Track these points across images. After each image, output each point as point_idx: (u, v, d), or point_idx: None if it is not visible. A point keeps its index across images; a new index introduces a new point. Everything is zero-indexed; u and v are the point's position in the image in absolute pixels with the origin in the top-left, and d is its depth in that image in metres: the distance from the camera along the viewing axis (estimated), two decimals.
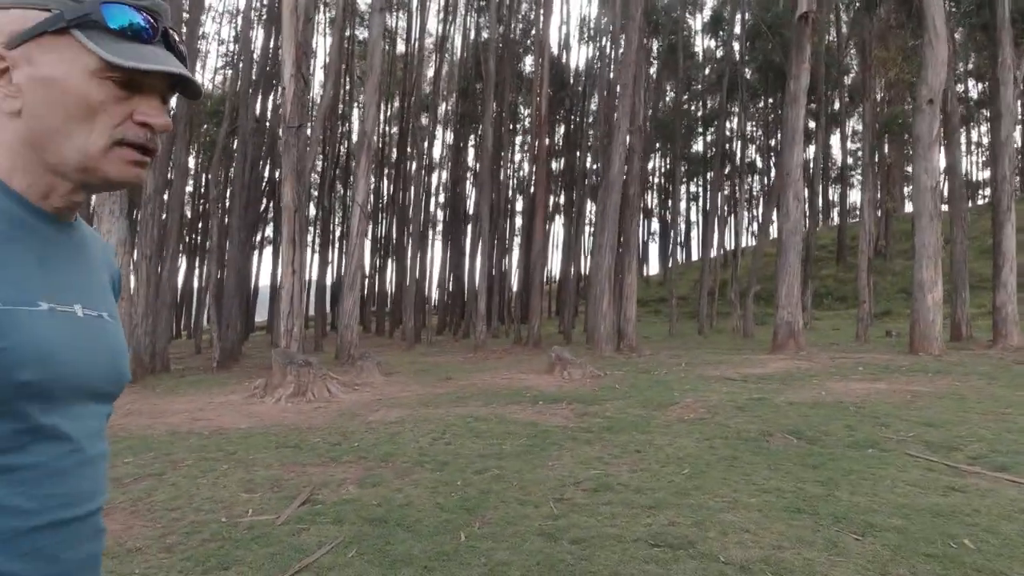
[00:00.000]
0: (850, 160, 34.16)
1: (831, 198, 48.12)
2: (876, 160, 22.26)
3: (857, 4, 19.50)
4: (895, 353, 11.47)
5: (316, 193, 26.69)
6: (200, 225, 30.85)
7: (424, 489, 3.54)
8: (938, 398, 6.27)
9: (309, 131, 14.19)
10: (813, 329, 20.95)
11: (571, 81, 32.55)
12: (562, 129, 33.85)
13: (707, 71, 35.84)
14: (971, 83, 33.39)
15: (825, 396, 6.64)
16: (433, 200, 36.32)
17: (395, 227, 29.78)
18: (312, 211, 25.80)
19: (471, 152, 32.74)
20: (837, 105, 28.24)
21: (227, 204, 20.17)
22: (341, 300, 15.02)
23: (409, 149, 28.35)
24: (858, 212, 28.02)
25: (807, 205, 27.25)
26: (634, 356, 13.50)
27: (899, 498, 3.19)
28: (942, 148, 12.44)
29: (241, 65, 18.95)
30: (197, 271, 30.51)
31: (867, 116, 18.56)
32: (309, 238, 19.22)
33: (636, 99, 18.03)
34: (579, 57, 40.52)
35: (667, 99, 35.12)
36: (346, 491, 3.53)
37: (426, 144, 29.02)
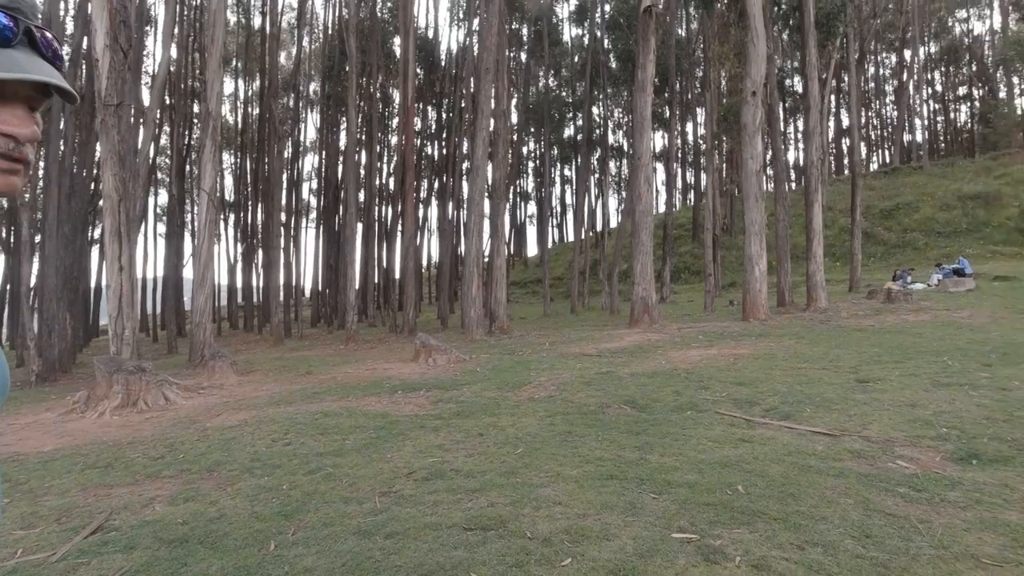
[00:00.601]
0: (703, 146, 37.35)
1: (688, 181, 52.45)
2: (718, 146, 24.53)
3: (694, 2, 21.15)
4: (732, 320, 12.81)
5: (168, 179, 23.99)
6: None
7: (243, 499, 3.32)
8: (755, 359, 7.09)
9: (140, 108, 12.59)
10: (673, 303, 22.82)
11: (443, 63, 32.12)
12: (435, 113, 33.39)
13: (576, 59, 37.16)
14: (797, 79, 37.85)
15: (664, 365, 7.24)
16: (306, 186, 34.22)
17: (262, 215, 27.70)
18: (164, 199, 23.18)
19: (343, 136, 31.25)
20: (691, 95, 30.63)
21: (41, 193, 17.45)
22: (193, 297, 13.73)
23: (271, 132, 26.38)
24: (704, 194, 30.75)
25: (669, 187, 29.48)
26: (504, 338, 13.79)
27: (699, 454, 3.55)
28: (766, 135, 13.95)
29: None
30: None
31: (709, 106, 20.33)
32: (161, 229, 17.20)
33: (500, 83, 18.20)
34: (451, 39, 40.10)
35: (539, 85, 35.93)
36: (151, 512, 3.21)
37: (296, 127, 27.20)
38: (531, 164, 47.29)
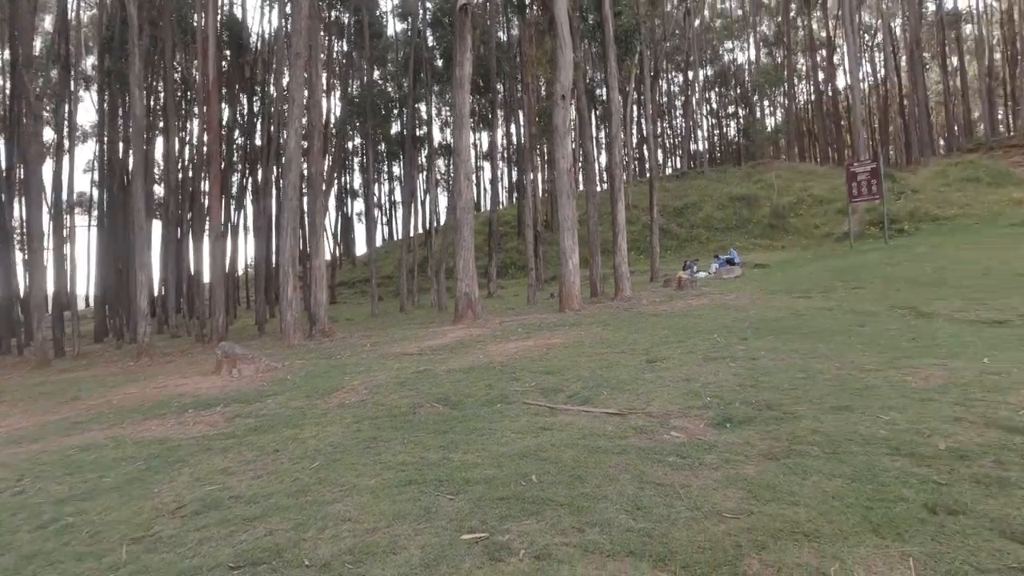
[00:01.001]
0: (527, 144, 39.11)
1: (513, 179, 54.77)
2: (537, 146, 25.89)
3: (508, 7, 22.01)
4: (551, 312, 13.57)
5: None
6: None
7: None
8: (565, 347, 7.52)
9: None
10: (500, 297, 23.57)
11: (256, 47, 29.27)
12: (247, 101, 30.30)
13: (401, 54, 36.46)
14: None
15: (482, 359, 7.34)
16: (87, 177, 28.62)
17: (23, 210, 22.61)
18: None
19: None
20: (514, 96, 31.84)
21: None
22: None
23: (27, 110, 21.56)
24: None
25: (494, 185, 30.30)
26: (326, 342, 12.98)
27: (501, 447, 3.57)
28: (578, 138, 14.96)
29: None
30: None
31: (527, 108, 21.31)
32: None
33: (313, 71, 17.08)
34: (263, 21, 36.45)
35: (363, 78, 34.60)
36: None
37: (64, 107, 22.54)
38: (357, 160, 45.50)
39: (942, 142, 43.65)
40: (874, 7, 46.86)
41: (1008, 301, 6.92)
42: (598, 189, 27.40)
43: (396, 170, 46.33)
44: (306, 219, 18.48)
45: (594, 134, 36.30)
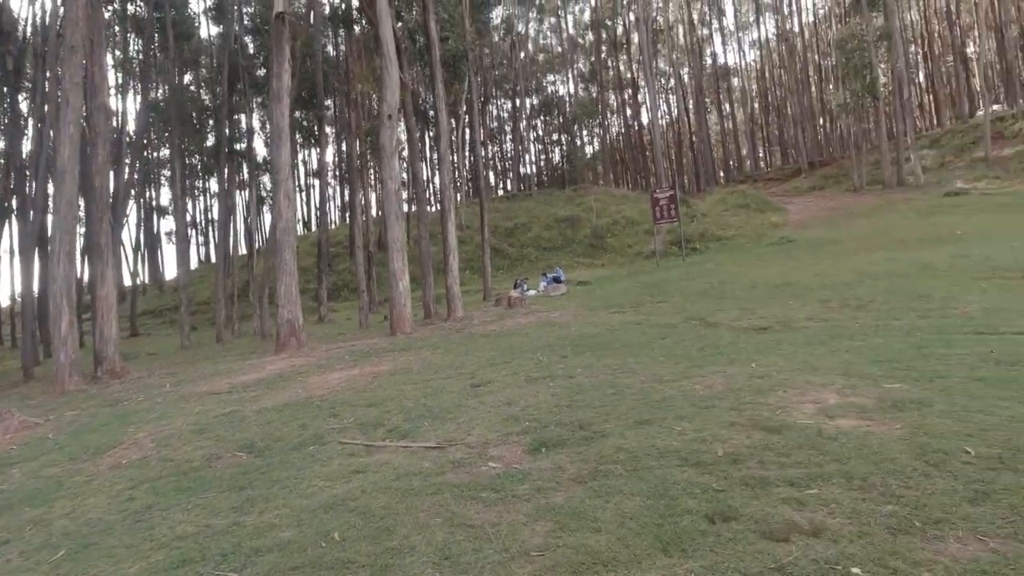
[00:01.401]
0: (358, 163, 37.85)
1: (346, 198, 52.67)
2: (368, 165, 25.18)
3: (332, 22, 21.28)
4: (383, 336, 13.09)
5: None
6: None
7: None
8: (392, 375, 7.21)
9: None
10: (331, 322, 22.25)
11: (26, 35, 24.39)
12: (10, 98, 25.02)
13: (216, 61, 33.15)
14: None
15: (300, 394, 6.72)
16: None
17: None
18: None
19: None
20: (346, 113, 30.58)
21: None
22: None
23: None
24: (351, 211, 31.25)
25: (323, 204, 28.66)
26: (114, 384, 11.01)
27: (305, 500, 3.20)
28: (407, 158, 14.76)
29: None
30: None
31: (354, 124, 20.61)
32: None
33: (98, 70, 14.67)
34: (38, 5, 30.02)
35: (173, 83, 30.73)
36: None
37: None
38: (168, 173, 40.33)
39: (722, 174, 51.61)
40: (667, 57, 54.16)
41: (770, 310, 8.21)
42: (433, 209, 27.49)
43: (215, 186, 41.90)
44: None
45: (428, 155, 36.48)
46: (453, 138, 39.47)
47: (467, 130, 49.27)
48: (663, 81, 54.51)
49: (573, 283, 19.71)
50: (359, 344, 11.89)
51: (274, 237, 13.30)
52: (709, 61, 53.12)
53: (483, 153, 53.29)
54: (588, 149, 57.13)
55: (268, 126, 36.34)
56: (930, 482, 2.41)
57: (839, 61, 32.11)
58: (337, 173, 51.11)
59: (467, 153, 41.71)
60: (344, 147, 37.20)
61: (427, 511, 2.82)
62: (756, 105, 57.29)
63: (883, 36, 29.91)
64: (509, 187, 55.45)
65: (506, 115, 58.54)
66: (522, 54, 55.39)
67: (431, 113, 34.11)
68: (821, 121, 48.36)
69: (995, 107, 37.13)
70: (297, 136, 37.24)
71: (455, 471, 3.38)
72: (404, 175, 29.49)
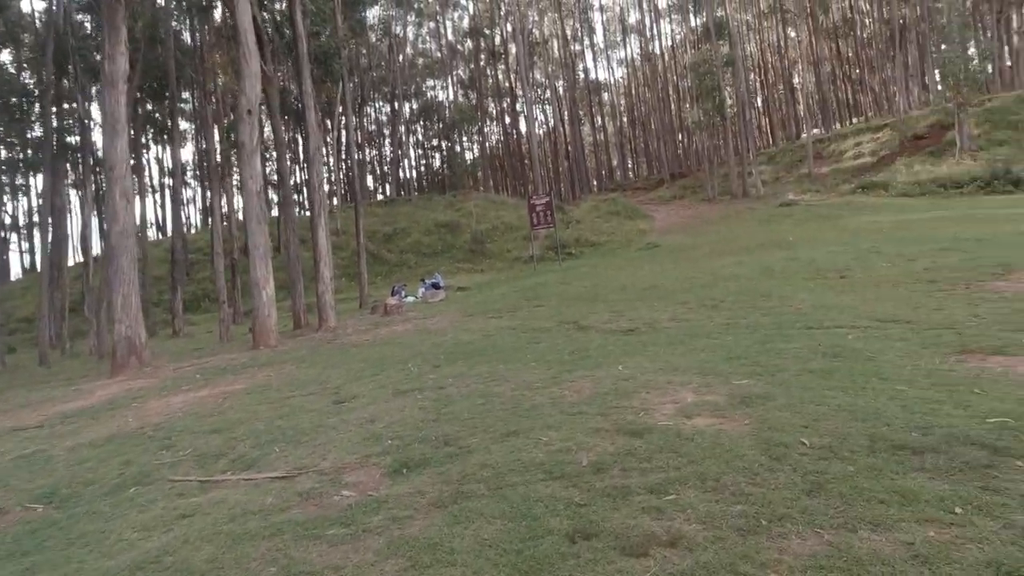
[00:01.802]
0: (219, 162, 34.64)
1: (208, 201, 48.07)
2: (229, 163, 23.10)
3: (186, 3, 19.29)
4: (245, 350, 11.93)
5: None
6: None
7: None
8: (247, 394, 6.49)
9: None
10: (189, 335, 20.03)
11: None
12: None
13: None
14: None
15: (132, 424, 5.79)
16: None
17: None
18: None
19: None
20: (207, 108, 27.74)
21: None
22: None
23: None
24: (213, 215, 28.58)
25: (176, 206, 25.71)
26: None
27: (108, 561, 2.64)
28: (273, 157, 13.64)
29: None
30: None
31: (211, 121, 18.76)
32: None
33: None
34: None
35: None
36: None
37: None
38: None
39: (595, 182, 54.43)
40: (543, 69, 56.08)
41: (637, 312, 8.59)
42: (307, 214, 25.85)
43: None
44: None
45: (301, 156, 34.34)
46: (329, 140, 37.61)
47: (343, 131, 47.30)
48: (540, 92, 56.35)
49: (453, 289, 19.51)
50: (215, 360, 10.71)
51: (110, 242, 11.61)
52: (582, 75, 55.84)
53: (361, 156, 51.48)
54: (468, 155, 57.44)
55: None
56: (774, 476, 2.50)
57: (694, 82, 35.26)
58: (198, 173, 46.60)
59: (343, 156, 39.96)
60: (204, 144, 33.88)
61: (260, 559, 2.42)
62: (624, 119, 61.25)
63: (728, 63, 33.30)
64: (389, 192, 54.08)
65: (385, 118, 57.10)
66: (401, 57, 54.39)
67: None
68: (680, 136, 52.82)
69: (816, 131, 42.93)
70: (148, 130, 33.23)
71: (302, 505, 2.99)
72: (275, 176, 27.45)
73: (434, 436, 3.74)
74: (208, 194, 45.72)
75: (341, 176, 47.15)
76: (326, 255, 14.69)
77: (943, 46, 28.29)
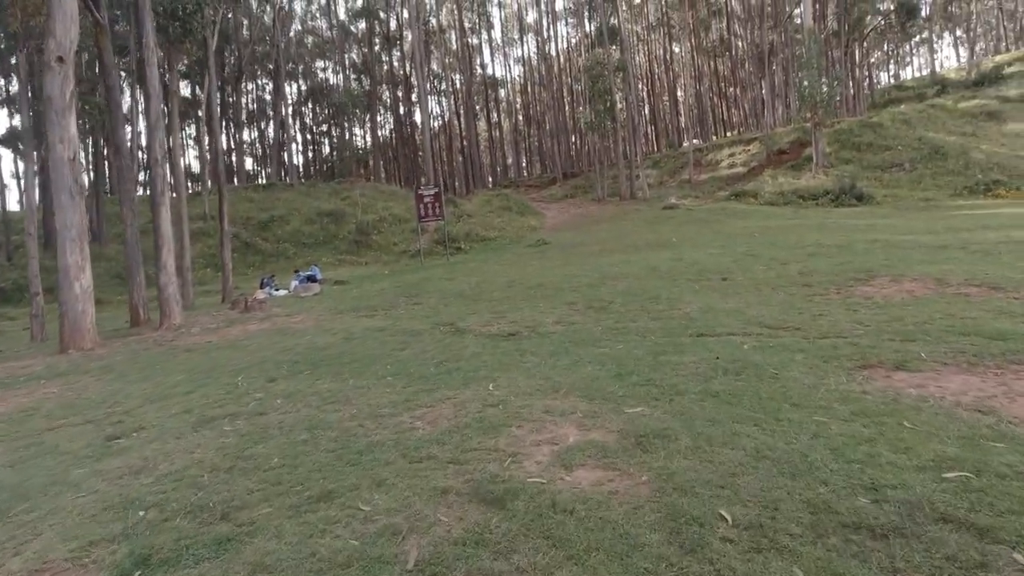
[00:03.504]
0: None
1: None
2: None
3: None
4: (50, 354, 9.61)
5: None
6: None
7: None
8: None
9: None
10: None
11: None
12: None
13: None
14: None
15: None
16: None
17: None
18: None
19: None
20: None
21: None
22: None
23: None
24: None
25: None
26: None
27: None
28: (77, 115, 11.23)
29: None
30: None
31: (22, 72, 15.44)
32: None
33: None
34: None
35: None
36: None
37: None
38: None
39: (490, 178, 53.91)
40: (440, 60, 54.53)
41: (521, 313, 7.79)
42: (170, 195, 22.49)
43: None
44: None
45: (180, 128, 30.12)
46: (200, 114, 33.32)
47: (219, 110, 42.54)
48: (436, 83, 54.72)
49: (330, 282, 17.76)
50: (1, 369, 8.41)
51: None
52: (479, 71, 54.96)
53: (238, 136, 46.78)
54: (361, 143, 54.41)
55: None
56: None
57: (587, 84, 35.69)
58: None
59: (224, 136, 35.77)
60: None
61: None
62: (520, 117, 61.31)
63: (620, 68, 34.05)
64: (270, 174, 49.80)
65: (269, 97, 52.51)
66: (291, 33, 50.13)
67: (185, 84, 28.18)
68: (573, 137, 53.75)
69: (695, 141, 45.54)
70: None
71: None
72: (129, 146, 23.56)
73: (212, 502, 2.56)
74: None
75: (211, 155, 42.51)
76: (170, 240, 12.45)
77: (801, 72, 30.88)
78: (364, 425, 3.44)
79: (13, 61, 22.60)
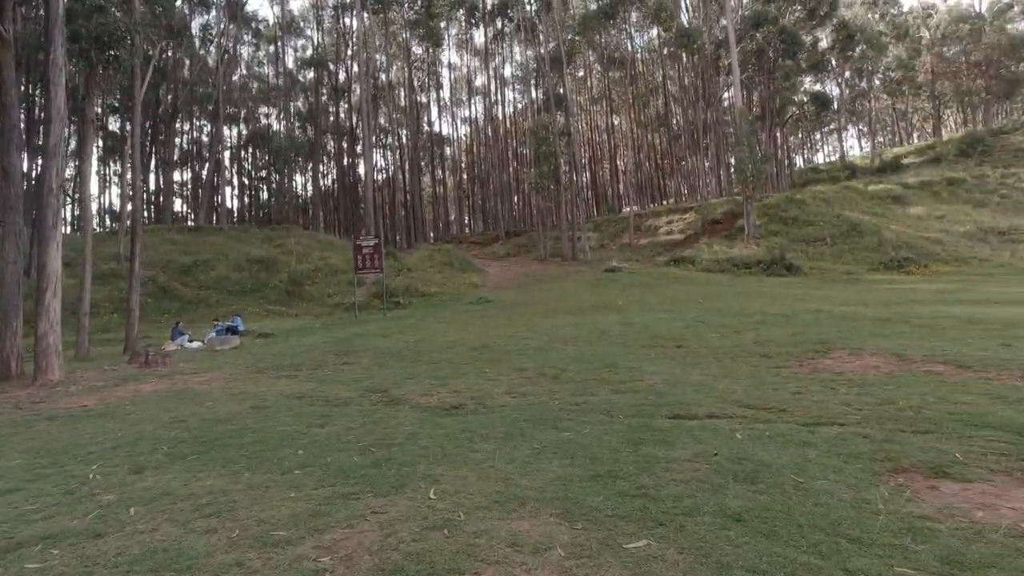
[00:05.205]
0: None
1: None
2: None
3: None
4: None
5: None
6: None
7: None
8: None
9: None
10: None
11: None
12: None
13: None
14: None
15: None
16: None
17: None
18: None
19: None
20: None
21: None
22: None
23: None
24: None
25: None
26: None
27: None
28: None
29: None
30: None
31: None
32: None
33: None
34: None
35: None
36: None
37: None
38: None
39: (432, 233, 53.31)
40: (388, 115, 54.62)
41: (465, 380, 6.85)
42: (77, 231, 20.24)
43: None
44: None
45: (106, 162, 27.73)
46: (127, 149, 31.07)
47: (153, 146, 40.17)
48: (382, 137, 54.53)
49: (253, 335, 16.11)
50: None
51: None
52: (427, 127, 55.35)
53: (167, 175, 44.22)
54: (302, 192, 52.80)
55: None
56: None
57: (532, 147, 36.38)
58: None
59: (154, 175, 33.47)
60: None
61: None
62: (465, 175, 61.82)
63: (564, 133, 34.97)
64: (201, 218, 47.09)
65: (207, 139, 50.46)
66: (235, 77, 48.87)
67: (80, 102, 26.18)
68: (516, 198, 54.45)
69: (635, 207, 47.08)
70: None
71: None
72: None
73: None
74: None
75: (145, 195, 39.75)
76: (57, 281, 10.73)
77: (733, 148, 32.80)
78: (244, 564, 2.36)
79: None
